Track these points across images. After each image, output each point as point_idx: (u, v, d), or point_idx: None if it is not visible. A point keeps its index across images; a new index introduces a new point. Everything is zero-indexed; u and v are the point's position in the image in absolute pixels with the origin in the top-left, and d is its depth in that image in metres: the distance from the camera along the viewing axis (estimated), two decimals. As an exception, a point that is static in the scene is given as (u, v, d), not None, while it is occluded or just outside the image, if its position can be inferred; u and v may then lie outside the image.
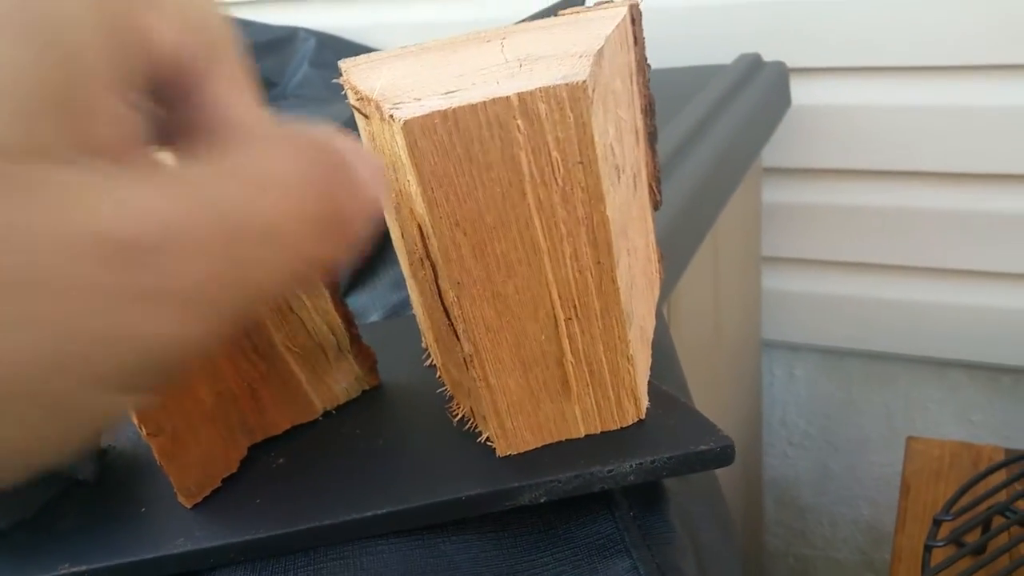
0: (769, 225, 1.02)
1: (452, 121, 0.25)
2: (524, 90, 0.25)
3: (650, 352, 0.35)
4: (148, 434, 0.30)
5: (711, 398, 0.83)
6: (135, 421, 0.31)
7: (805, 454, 1.17)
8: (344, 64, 0.33)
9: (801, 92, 0.93)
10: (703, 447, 0.30)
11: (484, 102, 0.25)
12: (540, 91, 0.25)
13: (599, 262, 0.28)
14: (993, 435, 1.05)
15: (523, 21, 0.37)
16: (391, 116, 0.26)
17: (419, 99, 0.26)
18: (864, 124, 0.92)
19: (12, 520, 0.32)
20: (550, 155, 0.26)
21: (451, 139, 0.26)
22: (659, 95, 0.83)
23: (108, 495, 0.34)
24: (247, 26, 1.08)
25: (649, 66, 0.35)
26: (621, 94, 0.31)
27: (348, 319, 0.35)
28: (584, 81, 0.25)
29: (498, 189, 0.27)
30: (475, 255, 0.28)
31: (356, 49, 1.06)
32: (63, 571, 0.31)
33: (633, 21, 0.34)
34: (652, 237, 0.38)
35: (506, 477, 0.31)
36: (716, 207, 0.70)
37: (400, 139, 0.26)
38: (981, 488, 0.70)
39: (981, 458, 0.82)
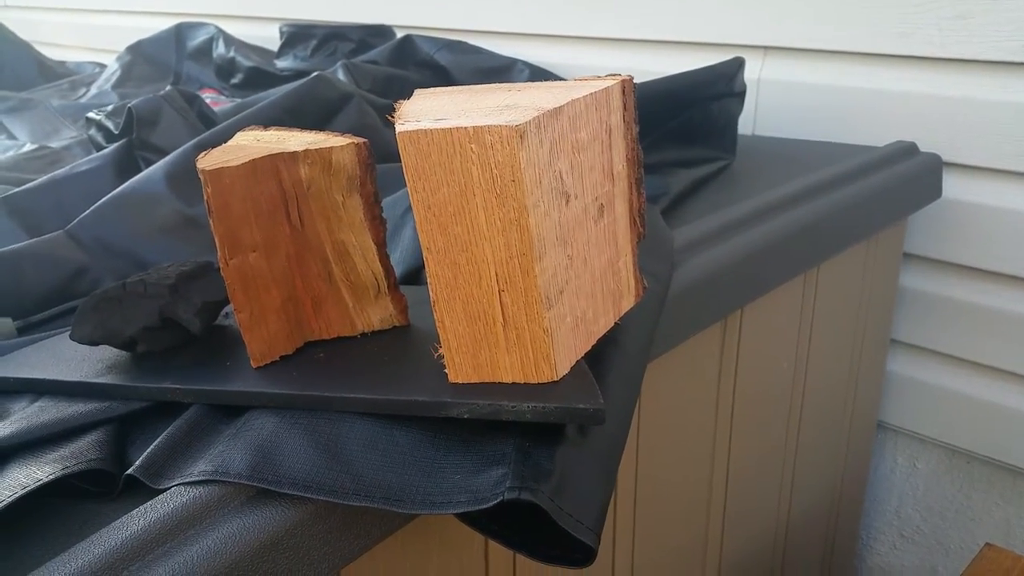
0: (908, 310, 1.03)
1: (430, 137, 0.38)
2: (479, 125, 0.38)
3: (590, 342, 0.46)
4: (235, 311, 0.46)
5: (774, 462, 0.88)
6: (231, 304, 0.47)
7: (915, 549, 1.15)
8: (416, 91, 0.47)
9: (958, 188, 0.95)
10: (581, 406, 0.41)
11: (451, 128, 0.38)
12: (487, 127, 0.38)
13: (523, 254, 0.40)
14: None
15: (578, 80, 0.49)
16: (397, 130, 0.39)
17: (419, 120, 0.40)
18: (1018, 230, 0.92)
19: (149, 349, 0.50)
20: (492, 171, 0.38)
21: (428, 148, 0.39)
22: (796, 160, 0.89)
23: (213, 350, 0.50)
24: (479, 52, 1.27)
25: (638, 125, 0.46)
26: (587, 142, 0.43)
27: (388, 270, 0.49)
28: (518, 126, 0.37)
29: (457, 188, 0.39)
30: (440, 231, 0.40)
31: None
32: (166, 385, 0.47)
33: (624, 92, 0.45)
34: (627, 259, 0.48)
35: (444, 395, 0.43)
36: (805, 261, 0.76)
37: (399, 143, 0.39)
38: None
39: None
